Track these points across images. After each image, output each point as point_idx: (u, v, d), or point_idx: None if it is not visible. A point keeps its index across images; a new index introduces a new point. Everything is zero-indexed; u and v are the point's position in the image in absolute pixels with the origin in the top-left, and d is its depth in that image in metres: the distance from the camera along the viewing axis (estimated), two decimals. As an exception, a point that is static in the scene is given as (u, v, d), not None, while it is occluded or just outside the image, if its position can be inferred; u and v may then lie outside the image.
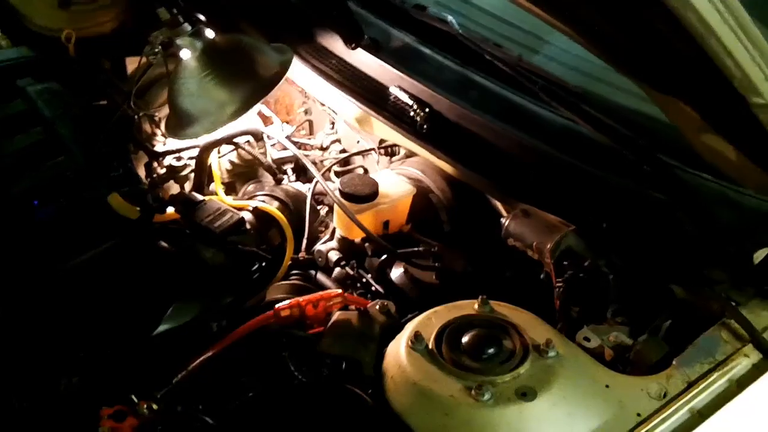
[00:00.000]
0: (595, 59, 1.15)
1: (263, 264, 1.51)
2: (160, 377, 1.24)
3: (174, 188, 1.79)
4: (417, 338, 1.18)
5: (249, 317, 1.31)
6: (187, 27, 1.58)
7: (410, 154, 1.74)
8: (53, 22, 2.08)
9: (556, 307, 1.34)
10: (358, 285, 1.53)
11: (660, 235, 1.31)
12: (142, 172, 1.81)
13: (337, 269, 1.55)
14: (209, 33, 1.60)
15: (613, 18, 1.03)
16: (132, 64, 2.02)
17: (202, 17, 1.65)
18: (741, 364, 1.16)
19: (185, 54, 1.59)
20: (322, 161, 1.92)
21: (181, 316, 1.37)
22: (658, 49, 1.03)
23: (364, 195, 1.52)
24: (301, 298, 1.30)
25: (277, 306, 1.29)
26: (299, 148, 2.00)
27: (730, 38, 0.98)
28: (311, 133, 2.11)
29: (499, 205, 1.55)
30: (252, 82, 1.57)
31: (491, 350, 1.15)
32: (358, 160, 1.95)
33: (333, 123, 1.98)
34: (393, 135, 1.64)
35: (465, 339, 1.17)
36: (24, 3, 2.16)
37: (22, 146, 1.70)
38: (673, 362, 1.16)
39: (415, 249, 1.49)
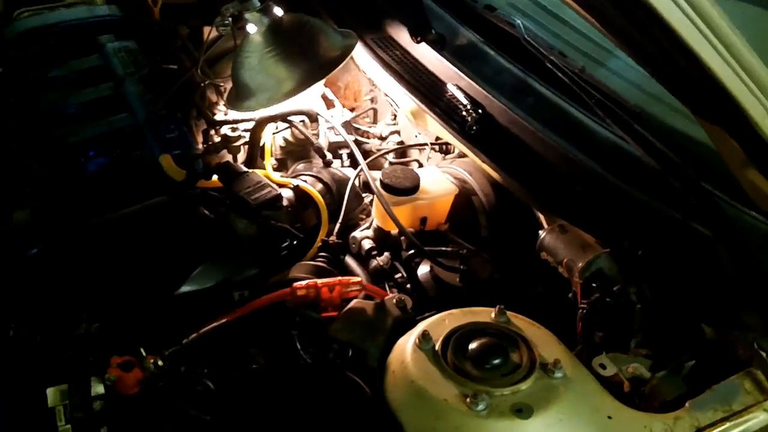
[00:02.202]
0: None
1: (294, 242, 1.52)
2: (173, 336, 1.26)
3: (227, 158, 1.82)
4: (425, 337, 1.16)
5: (269, 291, 1.32)
6: (257, 2, 1.60)
7: (463, 154, 1.72)
8: (144, -16, 2.15)
9: (578, 329, 1.30)
10: (390, 278, 1.52)
11: (697, 270, 1.26)
12: (200, 138, 1.85)
13: (375, 261, 1.55)
14: (277, 10, 1.61)
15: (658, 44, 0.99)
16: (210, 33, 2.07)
17: (272, -6, 1.67)
18: (757, 419, 1.10)
19: (251, 28, 1.61)
20: (378, 150, 1.92)
21: (204, 279, 1.39)
22: (703, 77, 0.98)
23: (403, 188, 1.51)
24: (319, 281, 1.31)
25: (294, 284, 1.30)
26: (362, 135, 2.01)
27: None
28: (375, 121, 2.11)
29: (542, 217, 1.51)
30: (311, 63, 1.58)
31: (495, 361, 1.13)
32: (414, 154, 1.94)
33: (395, 115, 1.98)
34: (443, 133, 1.62)
35: (472, 346, 1.15)
36: (122, -36, 2.23)
37: (89, 99, 1.77)
38: (686, 404, 1.11)
39: (443, 249, 1.47)
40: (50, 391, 1.14)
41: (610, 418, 1.08)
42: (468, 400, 1.05)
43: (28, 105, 1.79)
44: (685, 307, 1.26)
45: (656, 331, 1.27)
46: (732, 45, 0.97)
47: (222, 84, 1.87)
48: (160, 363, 1.19)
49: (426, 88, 1.62)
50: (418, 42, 1.63)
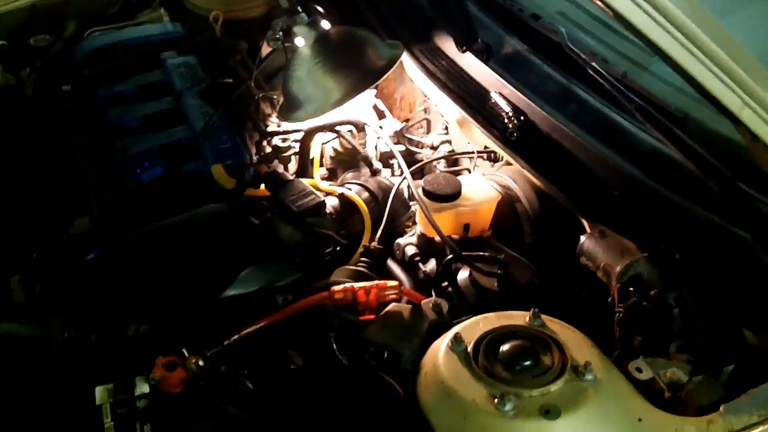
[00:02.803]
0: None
1: (337, 248, 1.55)
2: (216, 337, 1.31)
3: (278, 167, 1.87)
4: (457, 340, 1.18)
5: (311, 295, 1.36)
6: (305, 17, 1.65)
7: (510, 162, 1.72)
8: (206, 3, 2.24)
9: (615, 333, 1.29)
10: (435, 284, 1.54)
11: (737, 273, 1.23)
12: (253, 149, 1.91)
13: (419, 268, 1.56)
14: (325, 23, 1.66)
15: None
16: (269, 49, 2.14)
17: (319, 8, 1.72)
18: (795, 425, 1.07)
19: (300, 42, 1.66)
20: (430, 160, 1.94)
21: (249, 283, 1.43)
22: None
23: (444, 195, 1.53)
24: (356, 284, 1.33)
25: (332, 288, 1.33)
26: (414, 145, 2.04)
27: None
28: (428, 131, 2.13)
29: (585, 223, 1.50)
30: (357, 73, 1.62)
31: (525, 363, 1.13)
32: (465, 163, 1.95)
33: (446, 125, 2.00)
34: (487, 140, 1.63)
35: (503, 348, 1.16)
36: (187, -17, 2.33)
37: (150, 112, 1.86)
38: (721, 408, 1.09)
39: (482, 254, 1.48)
40: (98, 390, 1.21)
41: (640, 420, 1.07)
42: (496, 401, 1.06)
43: (95, 119, 1.89)
44: (725, 311, 1.24)
45: (696, 336, 1.25)
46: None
47: (276, 96, 1.93)
48: (201, 363, 1.24)
49: (470, 96, 1.64)
50: (463, 51, 1.65)
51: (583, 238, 1.41)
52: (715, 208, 1.27)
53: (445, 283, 1.50)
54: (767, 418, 1.07)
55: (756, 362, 1.17)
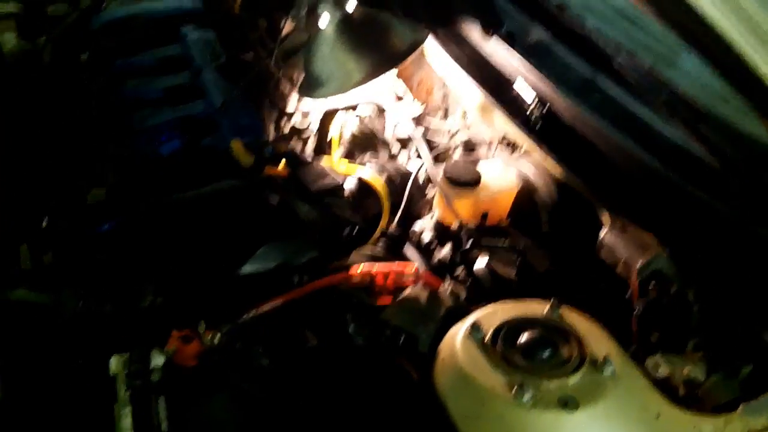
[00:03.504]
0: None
1: (354, 229, 1.55)
2: (232, 313, 1.31)
3: (296, 146, 1.86)
4: (475, 327, 1.17)
5: (327, 275, 1.36)
6: (331, -4, 1.65)
7: (529, 151, 1.71)
8: (227, -23, 2.22)
9: (633, 328, 1.29)
10: (450, 270, 1.53)
11: (759, 274, 1.22)
12: (272, 127, 1.90)
13: (435, 253, 1.56)
14: (351, 4, 1.65)
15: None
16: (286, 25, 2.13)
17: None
18: (814, 426, 1.07)
19: (323, 21, 1.65)
20: (446, 146, 1.93)
21: (266, 261, 1.43)
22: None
23: (464, 181, 1.52)
24: (374, 267, 1.33)
25: (351, 269, 1.33)
26: (431, 130, 2.03)
27: None
28: (446, 117, 2.12)
29: (604, 217, 1.50)
30: (380, 55, 1.62)
31: (544, 353, 1.13)
32: (482, 150, 1.95)
33: (465, 111, 1.98)
34: (509, 128, 1.62)
35: (522, 337, 1.15)
36: (207, -43, 2.31)
37: (168, 86, 1.85)
38: (740, 407, 1.08)
39: (500, 242, 1.48)
40: (113, 359, 1.20)
41: (658, 416, 1.07)
42: (514, 389, 1.06)
43: (112, 90, 1.88)
44: (744, 310, 1.23)
45: (714, 335, 1.24)
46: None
47: (296, 75, 1.92)
48: (217, 338, 1.24)
49: (494, 82, 1.62)
50: (489, 35, 1.63)
51: (603, 231, 1.40)
52: (738, 206, 1.26)
53: (462, 270, 1.50)
54: (787, 419, 1.07)
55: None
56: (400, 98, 2.03)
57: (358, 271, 1.33)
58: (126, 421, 1.14)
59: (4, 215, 1.61)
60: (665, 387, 1.15)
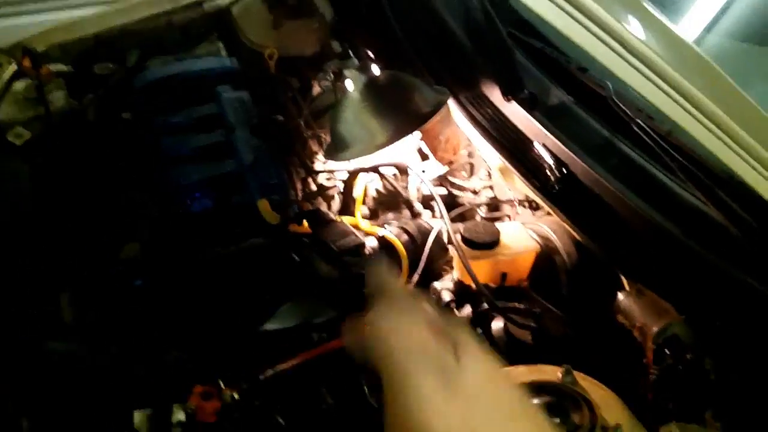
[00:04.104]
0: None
1: (374, 289, 1.58)
2: (252, 370, 1.34)
3: (322, 205, 1.91)
4: (487, 391, 1.18)
5: (345, 335, 1.39)
6: (355, 61, 1.70)
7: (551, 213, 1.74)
8: (263, 40, 2.30)
9: (648, 395, 1.29)
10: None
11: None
12: (299, 185, 1.95)
13: (454, 314, 1.58)
14: (375, 68, 1.71)
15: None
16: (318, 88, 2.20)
17: (369, 53, 1.76)
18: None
19: (349, 85, 1.70)
20: (470, 204, 1.96)
21: (287, 318, 1.46)
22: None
23: (482, 242, 1.55)
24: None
25: (367, 330, 1.35)
26: (456, 189, 2.06)
27: None
28: (471, 175, 2.16)
29: (624, 280, 1.51)
30: (403, 117, 1.65)
31: (555, 419, 1.13)
32: (505, 210, 1.97)
33: (489, 170, 2.02)
34: (527, 190, 1.65)
35: (534, 403, 1.16)
36: (244, 19, 2.40)
37: (203, 144, 1.91)
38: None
39: (517, 305, 1.49)
40: (137, 415, 1.25)
41: (666, 485, 1.07)
42: (523, 455, 1.07)
43: (149, 148, 1.95)
44: (763, 380, 1.23)
45: (731, 404, 1.24)
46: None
47: (323, 135, 1.98)
48: (235, 396, 1.28)
49: (513, 145, 1.65)
50: (508, 100, 1.67)
51: (620, 295, 1.41)
52: (758, 275, 1.27)
53: (479, 331, 1.51)
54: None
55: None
56: (425, 156, 2.07)
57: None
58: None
59: (45, 266, 1.67)
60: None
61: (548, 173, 1.54)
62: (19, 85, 2.06)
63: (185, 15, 2.54)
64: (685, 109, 1.35)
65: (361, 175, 1.86)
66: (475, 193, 2.01)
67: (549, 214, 1.75)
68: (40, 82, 2.00)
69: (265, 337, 1.44)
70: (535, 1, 1.55)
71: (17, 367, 1.41)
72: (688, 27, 2.53)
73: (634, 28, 1.50)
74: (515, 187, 1.81)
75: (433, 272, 1.70)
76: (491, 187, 2.01)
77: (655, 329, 1.32)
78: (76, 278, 1.62)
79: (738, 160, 1.35)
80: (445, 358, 0.75)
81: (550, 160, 1.55)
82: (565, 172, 1.52)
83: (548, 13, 1.52)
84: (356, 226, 1.70)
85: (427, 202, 1.93)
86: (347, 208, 1.84)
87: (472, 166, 2.15)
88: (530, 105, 1.66)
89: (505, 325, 1.48)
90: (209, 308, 1.49)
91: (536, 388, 1.19)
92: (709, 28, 2.50)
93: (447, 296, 1.59)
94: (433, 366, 0.74)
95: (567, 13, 1.49)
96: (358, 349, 0.85)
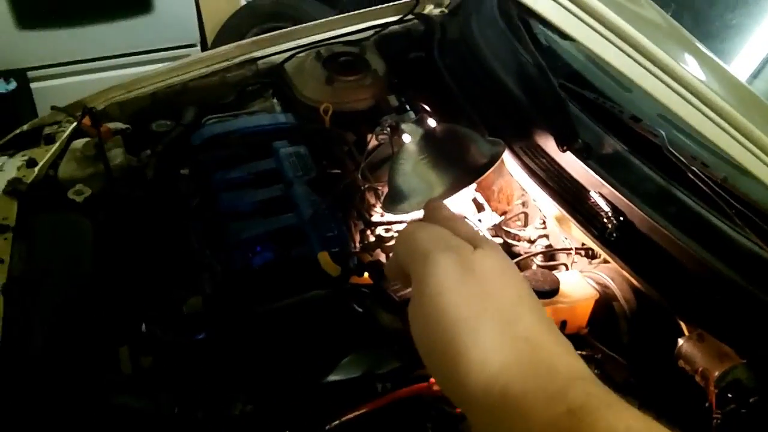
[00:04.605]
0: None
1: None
2: (316, 422, 1.37)
3: (380, 257, 1.94)
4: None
5: (410, 385, 1.41)
6: (412, 115, 1.75)
7: (607, 260, 1.74)
8: (317, 95, 2.37)
9: (713, 440, 1.29)
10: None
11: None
12: (357, 237, 1.99)
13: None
14: (431, 121, 1.75)
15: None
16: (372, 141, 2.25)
17: (425, 106, 1.81)
18: None
19: (406, 138, 1.75)
20: (526, 253, 1.98)
21: (351, 370, 1.49)
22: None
23: (542, 291, 1.56)
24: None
25: (431, 379, 1.37)
26: (512, 238, 2.08)
27: None
28: (525, 225, 2.18)
29: (683, 325, 1.51)
30: (460, 170, 1.68)
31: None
32: (562, 258, 1.98)
33: (544, 219, 2.04)
34: (585, 238, 1.66)
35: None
36: (297, 76, 2.49)
37: (262, 199, 1.97)
38: None
39: (579, 353, 1.49)
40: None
41: None
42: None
43: (209, 203, 2.01)
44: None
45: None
46: None
47: (380, 188, 2.02)
48: (303, 447, 1.30)
49: (569, 194, 1.68)
50: (563, 151, 1.70)
51: (681, 341, 1.41)
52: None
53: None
54: None
55: None
56: (480, 207, 2.10)
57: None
58: None
59: (106, 320, 1.72)
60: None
61: (605, 221, 1.55)
62: (78, 143, 2.14)
63: (239, 72, 2.65)
64: (753, 154, 1.35)
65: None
66: (530, 242, 2.03)
67: (606, 261, 1.76)
68: (100, 140, 2.08)
69: (329, 388, 1.46)
70: (605, 50, 1.58)
71: (86, 421, 1.45)
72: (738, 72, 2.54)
73: (700, 75, 1.53)
74: (571, 235, 1.83)
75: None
76: (547, 236, 2.02)
77: (717, 374, 1.32)
78: (136, 332, 1.66)
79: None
80: (463, 246, 0.81)
81: (606, 208, 1.57)
82: (622, 219, 1.54)
83: (623, 65, 1.55)
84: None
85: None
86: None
87: (526, 215, 2.17)
88: (585, 154, 1.68)
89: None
90: (273, 361, 1.52)
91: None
92: (755, 74, 2.50)
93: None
94: (452, 251, 0.80)
95: (639, 63, 1.53)
96: (391, 261, 0.90)
